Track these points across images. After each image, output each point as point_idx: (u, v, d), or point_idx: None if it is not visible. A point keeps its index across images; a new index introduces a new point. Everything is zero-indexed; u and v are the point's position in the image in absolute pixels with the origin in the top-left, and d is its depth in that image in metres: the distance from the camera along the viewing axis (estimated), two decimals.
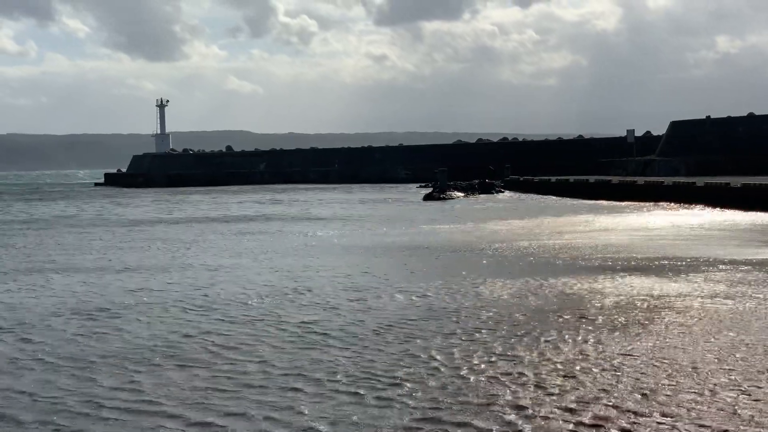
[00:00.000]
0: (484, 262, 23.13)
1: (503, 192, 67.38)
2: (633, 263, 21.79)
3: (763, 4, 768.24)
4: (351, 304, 16.73)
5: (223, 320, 15.51)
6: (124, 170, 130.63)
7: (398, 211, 48.38)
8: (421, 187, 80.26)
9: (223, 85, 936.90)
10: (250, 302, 17.34)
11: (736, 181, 45.70)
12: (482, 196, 64.34)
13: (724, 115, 71.06)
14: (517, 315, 14.99)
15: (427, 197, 63.54)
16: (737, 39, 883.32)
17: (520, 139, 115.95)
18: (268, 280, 20.60)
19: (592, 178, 62.73)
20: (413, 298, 17.24)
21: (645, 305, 15.53)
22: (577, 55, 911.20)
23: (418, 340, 13.14)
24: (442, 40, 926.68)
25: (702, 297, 16.32)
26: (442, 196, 63.26)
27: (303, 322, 14.95)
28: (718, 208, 41.46)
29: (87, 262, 25.71)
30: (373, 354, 12.32)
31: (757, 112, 70.31)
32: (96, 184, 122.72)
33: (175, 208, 57.45)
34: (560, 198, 57.66)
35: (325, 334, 13.91)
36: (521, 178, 72.03)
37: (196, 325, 15.03)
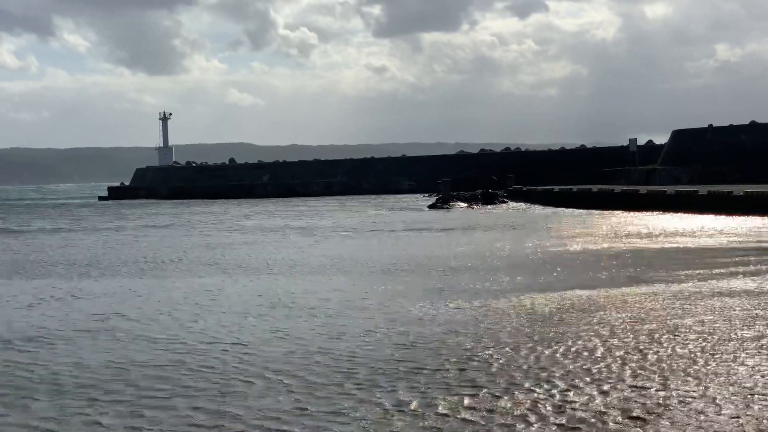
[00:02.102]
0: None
1: (507, 202, 67.45)
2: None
3: (762, 12, 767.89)
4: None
5: None
6: (127, 183, 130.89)
7: (413, 220, 48.56)
8: (425, 197, 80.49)
9: (224, 98, 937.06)
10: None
11: (740, 189, 45.82)
12: (486, 207, 64.43)
13: (726, 124, 71.19)
14: None
15: (431, 207, 63.81)
16: (737, 47, 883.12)
17: (523, 149, 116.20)
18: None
19: (595, 188, 62.76)
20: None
21: None
22: (577, 64, 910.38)
23: None
24: (442, 51, 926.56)
25: None
26: (445, 206, 63.52)
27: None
28: (722, 216, 41.58)
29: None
30: None
31: (760, 120, 70.44)
32: (100, 198, 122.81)
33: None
34: (563, 208, 57.69)
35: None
36: (524, 188, 72.14)
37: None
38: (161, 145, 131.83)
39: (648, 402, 9.80)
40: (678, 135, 73.68)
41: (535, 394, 10.32)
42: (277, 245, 34.98)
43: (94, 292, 21.59)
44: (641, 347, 12.72)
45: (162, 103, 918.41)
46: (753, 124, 70.30)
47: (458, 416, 9.59)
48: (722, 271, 21.67)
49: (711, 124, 71.52)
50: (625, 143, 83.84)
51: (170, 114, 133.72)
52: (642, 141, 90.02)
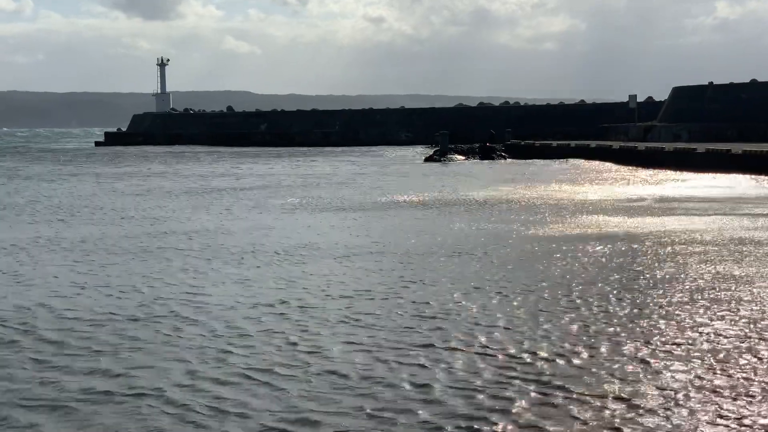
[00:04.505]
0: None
1: (504, 156, 66.98)
2: None
3: None
4: None
5: None
6: (124, 129, 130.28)
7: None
8: (422, 149, 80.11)
9: (220, 45, 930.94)
10: None
11: (738, 147, 45.61)
12: (483, 160, 64.06)
13: (726, 81, 70.70)
14: None
15: (428, 160, 63.52)
16: (737, 5, 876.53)
17: (522, 104, 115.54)
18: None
19: (593, 143, 62.57)
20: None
21: None
22: (576, 19, 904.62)
23: None
24: (439, 2, 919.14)
25: None
26: (442, 159, 63.20)
27: None
28: (718, 173, 41.43)
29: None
30: None
31: (760, 79, 69.97)
32: (96, 144, 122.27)
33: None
34: (560, 163, 57.46)
35: None
36: (522, 143, 71.70)
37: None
38: (158, 91, 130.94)
39: None
40: (678, 92, 73.24)
41: None
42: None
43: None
44: None
45: (157, 48, 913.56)
46: (753, 82, 69.84)
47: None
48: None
49: (711, 82, 71.07)
50: (625, 99, 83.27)
51: (168, 60, 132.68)
52: (642, 98, 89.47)
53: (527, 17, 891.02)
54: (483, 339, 10.63)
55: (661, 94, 77.20)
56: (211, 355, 10.13)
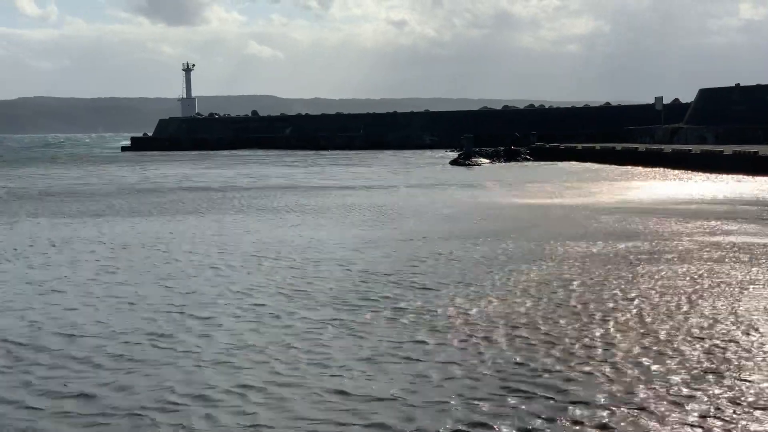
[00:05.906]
0: None
1: (529, 159, 66.87)
2: None
3: None
4: None
5: None
6: (150, 134, 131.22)
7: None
8: (447, 152, 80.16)
9: (243, 49, 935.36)
10: None
11: (765, 149, 45.35)
12: (508, 163, 64.01)
13: (752, 83, 70.30)
14: None
15: (453, 163, 63.55)
16: (760, 6, 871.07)
17: (547, 106, 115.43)
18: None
19: (619, 146, 62.40)
20: None
21: None
22: (599, 21, 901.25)
23: None
24: (461, 5, 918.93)
25: None
26: (467, 162, 63.22)
27: None
28: (747, 176, 41.20)
29: None
30: None
31: None
32: (123, 149, 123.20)
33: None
34: (589, 163, 57.31)
35: None
36: (547, 146, 71.62)
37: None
38: (184, 96, 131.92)
39: None
40: (704, 94, 72.89)
41: None
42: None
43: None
44: None
45: (180, 53, 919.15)
46: None
47: None
48: None
49: (738, 84, 70.71)
50: (650, 101, 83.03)
51: (193, 65, 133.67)
52: (668, 99, 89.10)
53: (550, 19, 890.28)
54: None
55: (687, 96, 76.82)
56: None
